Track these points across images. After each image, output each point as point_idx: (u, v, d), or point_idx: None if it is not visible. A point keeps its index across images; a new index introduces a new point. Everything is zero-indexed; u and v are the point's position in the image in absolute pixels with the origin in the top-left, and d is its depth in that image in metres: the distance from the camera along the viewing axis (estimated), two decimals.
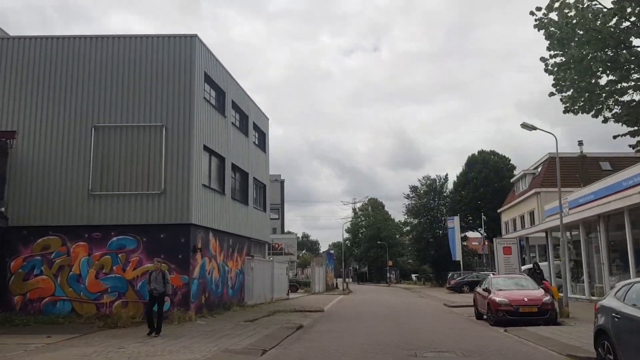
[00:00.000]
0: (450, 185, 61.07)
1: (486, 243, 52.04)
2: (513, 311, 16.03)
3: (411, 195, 60.85)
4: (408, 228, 60.66)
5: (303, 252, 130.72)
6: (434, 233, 59.65)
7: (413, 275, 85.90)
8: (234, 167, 23.79)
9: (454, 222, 51.03)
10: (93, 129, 18.81)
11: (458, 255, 50.17)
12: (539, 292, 16.98)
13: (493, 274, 19.64)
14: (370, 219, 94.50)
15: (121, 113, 18.93)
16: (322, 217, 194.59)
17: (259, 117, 28.60)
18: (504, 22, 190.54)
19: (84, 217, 18.38)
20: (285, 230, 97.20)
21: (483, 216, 53.02)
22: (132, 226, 18.24)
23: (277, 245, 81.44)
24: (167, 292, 13.55)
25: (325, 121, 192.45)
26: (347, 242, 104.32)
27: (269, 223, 31.29)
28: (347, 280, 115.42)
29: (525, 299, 16.29)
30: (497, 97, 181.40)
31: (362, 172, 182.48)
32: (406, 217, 61.25)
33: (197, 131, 19.07)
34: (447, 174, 59.21)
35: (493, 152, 61.02)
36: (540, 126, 19.62)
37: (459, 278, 42.68)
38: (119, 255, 18.05)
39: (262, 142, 29.44)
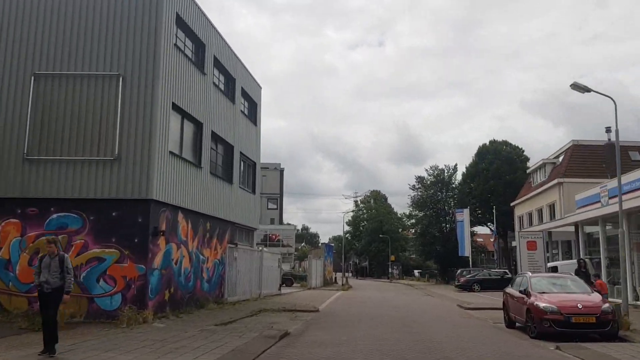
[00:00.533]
0: (459, 177, 57.17)
1: (497, 238, 48.24)
2: (563, 321, 12.23)
3: (417, 187, 57.02)
4: (413, 221, 56.81)
5: (302, 244, 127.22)
6: (440, 227, 55.85)
7: (416, 271, 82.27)
8: (215, 137, 19.92)
9: (464, 215, 47.21)
10: (32, 78, 14.97)
11: (467, 251, 46.44)
12: (595, 297, 13.17)
13: (529, 273, 15.69)
14: (372, 212, 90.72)
15: (68, 58, 15.07)
16: (323, 210, 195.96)
17: (249, 83, 24.68)
18: (509, 21, 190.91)
19: (16, 187, 14.58)
20: (285, 221, 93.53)
21: (494, 210, 49.20)
22: (77, 201, 14.44)
23: (274, 237, 77.89)
24: (66, 287, 9.10)
25: (329, 115, 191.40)
26: (347, 235, 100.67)
27: (258, 207, 27.45)
28: (346, 274, 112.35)
29: (579, 306, 12.48)
30: (501, 94, 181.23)
31: (364, 166, 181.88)
32: (411, 209, 57.49)
33: (164, 84, 15.19)
34: (456, 164, 55.63)
35: (505, 142, 57.09)
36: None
37: (470, 275, 38.93)
38: (60, 237, 14.20)
39: (252, 113, 25.55)
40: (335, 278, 50.47)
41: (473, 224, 54.99)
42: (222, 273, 20.60)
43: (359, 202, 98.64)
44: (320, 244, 72.11)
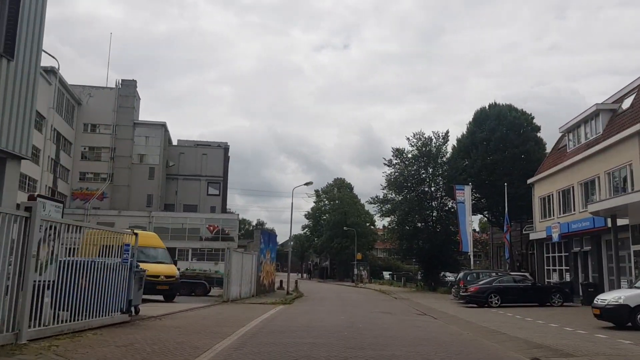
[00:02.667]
0: (449, 150, 43.39)
1: (510, 229, 34.54)
2: None
3: (394, 162, 43.06)
4: (388, 206, 42.81)
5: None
6: (424, 216, 41.96)
7: (386, 273, 68.53)
8: None
9: (464, 194, 33.52)
10: None
11: (469, 245, 32.73)
12: None
13: None
14: (335, 203, 76.59)
15: None
16: (287, 210, 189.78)
17: None
18: (472, 29, 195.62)
19: None
20: (229, 210, 78.34)
21: (505, 189, 35.69)
22: None
23: (211, 228, 63.07)
24: None
25: (294, 116, 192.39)
26: (306, 230, 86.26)
27: (30, 90, 12.39)
28: (301, 276, 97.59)
29: None
30: (463, 101, 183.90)
31: (328, 167, 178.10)
32: (386, 191, 43.41)
33: None
34: (447, 132, 41.79)
35: (510, 107, 43.78)
36: None
37: (484, 282, 25.06)
38: None
39: None
40: (282, 282, 35.93)
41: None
42: None
43: (320, 192, 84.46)
44: (256, 229, 56.95)
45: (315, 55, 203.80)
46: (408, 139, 42.81)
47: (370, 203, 44.45)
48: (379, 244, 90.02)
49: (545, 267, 31.49)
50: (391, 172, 43.41)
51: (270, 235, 33.80)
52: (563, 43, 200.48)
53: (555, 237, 28.16)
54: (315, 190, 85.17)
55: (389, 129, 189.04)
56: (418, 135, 41.97)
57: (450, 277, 39.27)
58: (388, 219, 44.21)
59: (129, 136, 62.48)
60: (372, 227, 77.92)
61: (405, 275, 55.64)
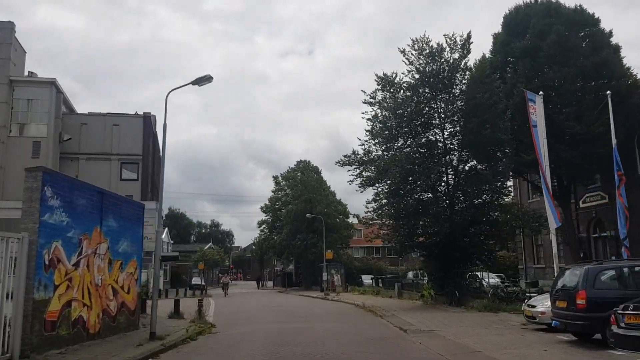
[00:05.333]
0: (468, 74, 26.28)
1: (624, 180, 17.51)
2: None
3: (379, 97, 26.17)
4: (372, 169, 25.77)
5: (209, 245, 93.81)
6: (436, 179, 25.05)
7: (366, 277, 51.63)
8: None
9: (536, 111, 16.39)
10: None
11: (556, 214, 15.87)
12: None
13: None
14: (298, 188, 59.26)
15: None
16: (257, 217, 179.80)
17: None
18: (433, 34, 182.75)
19: None
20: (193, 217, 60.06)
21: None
22: None
23: None
24: None
25: (261, 122, 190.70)
26: (263, 227, 68.36)
27: None
28: (261, 285, 79.23)
29: None
30: None
31: None
32: (369, 142, 26.23)
33: None
34: (470, 33, 25.11)
35: (559, 5, 27.24)
36: None
37: None
38: None
39: None
40: (201, 305, 18.12)
41: (496, 171, 24.60)
42: None
43: (280, 178, 66.93)
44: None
45: (280, 62, 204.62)
46: (402, 51, 25.66)
47: (344, 164, 27.18)
48: (359, 240, 73.01)
49: None
50: (375, 115, 26.40)
51: (117, 198, 15.20)
52: None
53: None
54: (273, 177, 67.65)
55: (356, 133, 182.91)
56: (420, 44, 24.93)
57: (490, 280, 22.54)
58: (373, 192, 26.90)
59: (3, 98, 44.38)
60: (346, 220, 61.01)
61: (395, 279, 38.67)
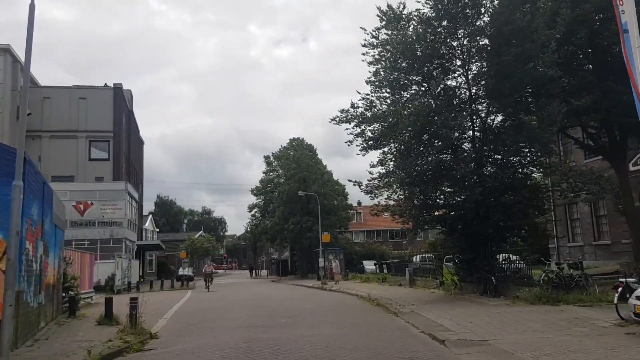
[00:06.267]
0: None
1: None
2: None
3: (383, 35, 20.55)
4: (376, 126, 20.31)
5: (199, 233, 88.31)
6: (454, 136, 19.45)
7: (368, 263, 46.29)
8: None
9: (627, 9, 10.91)
10: None
11: None
12: None
13: None
14: (291, 167, 53.66)
15: None
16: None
17: None
18: None
19: None
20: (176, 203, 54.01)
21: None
22: None
23: (81, 207, 39.17)
24: None
25: (256, 111, 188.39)
26: (254, 212, 62.79)
27: None
28: (255, 274, 74.35)
29: None
30: None
31: None
32: (372, 95, 20.70)
33: None
34: None
35: None
36: None
37: None
38: None
39: None
40: (134, 309, 12.73)
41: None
42: None
43: (271, 158, 61.24)
44: None
45: (274, 50, 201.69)
46: None
47: (341, 121, 21.61)
48: (359, 223, 67.68)
49: None
50: (379, 57, 20.80)
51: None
52: None
53: None
54: (264, 157, 61.97)
55: None
56: None
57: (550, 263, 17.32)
58: (377, 156, 21.34)
59: None
60: (345, 201, 55.59)
61: (402, 264, 33.30)
